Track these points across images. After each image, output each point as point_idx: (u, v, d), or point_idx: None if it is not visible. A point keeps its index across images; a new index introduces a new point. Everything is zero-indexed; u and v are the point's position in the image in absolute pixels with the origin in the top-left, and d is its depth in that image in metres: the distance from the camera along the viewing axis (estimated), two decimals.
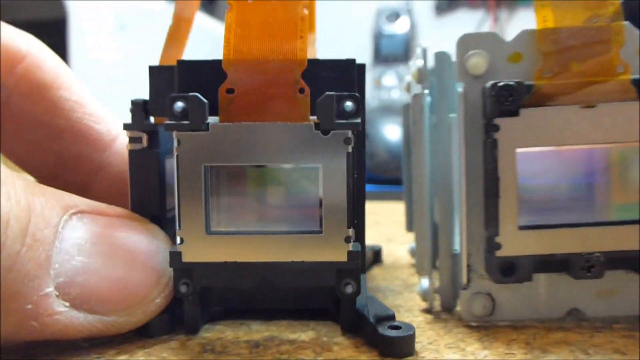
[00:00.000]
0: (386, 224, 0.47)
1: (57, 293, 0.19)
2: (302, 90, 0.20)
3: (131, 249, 0.21)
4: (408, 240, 0.35)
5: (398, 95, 1.16)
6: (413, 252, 0.33)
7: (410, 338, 0.20)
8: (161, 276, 0.21)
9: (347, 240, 0.20)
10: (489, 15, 1.38)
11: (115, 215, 0.21)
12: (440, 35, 0.23)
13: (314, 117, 0.21)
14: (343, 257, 0.20)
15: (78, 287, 0.19)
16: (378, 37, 1.33)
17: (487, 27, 1.38)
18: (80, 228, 0.20)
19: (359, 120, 0.20)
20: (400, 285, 0.29)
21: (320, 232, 0.21)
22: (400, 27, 1.32)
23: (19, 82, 0.23)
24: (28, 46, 0.23)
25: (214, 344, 0.21)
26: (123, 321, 0.20)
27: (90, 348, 0.21)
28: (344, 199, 0.20)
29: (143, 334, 0.22)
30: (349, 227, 0.21)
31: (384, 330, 0.20)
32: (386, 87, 1.22)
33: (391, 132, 0.90)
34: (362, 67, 0.22)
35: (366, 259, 0.31)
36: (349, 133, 0.20)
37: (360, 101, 0.20)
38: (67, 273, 0.19)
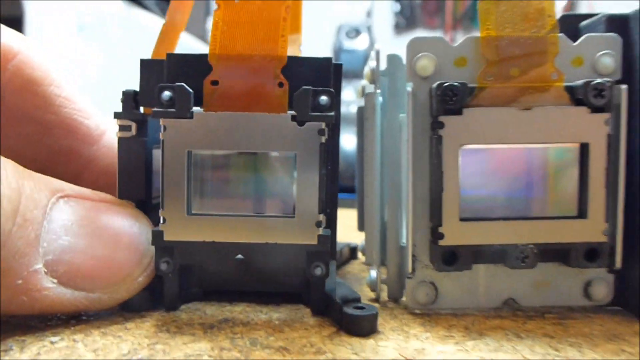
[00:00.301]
0: (339, 227, 0.48)
1: (45, 270, 0.20)
2: (281, 84, 0.22)
3: (115, 230, 0.22)
4: (360, 240, 0.37)
5: (356, 110, 1.18)
6: (364, 250, 0.34)
7: (374, 317, 0.22)
8: (143, 256, 0.22)
9: (318, 224, 0.22)
10: (446, 35, 1.43)
11: (100, 200, 0.23)
12: (398, 52, 0.25)
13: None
14: (313, 241, 0.22)
15: (65, 264, 0.20)
16: (338, 52, 1.36)
17: None
18: (67, 210, 0.21)
19: (332, 113, 0.22)
20: (351, 279, 0.30)
21: (293, 216, 0.22)
22: (360, 44, 1.36)
23: (11, 79, 0.24)
24: (19, 45, 0.24)
25: (170, 325, 0.22)
26: (107, 298, 0.21)
27: (45, 328, 0.21)
28: (316, 186, 0.22)
29: (125, 309, 0.23)
30: (320, 213, 0.22)
31: (350, 310, 0.21)
32: (345, 101, 1.24)
33: (347, 142, 0.92)
34: (339, 66, 0.23)
35: (343, 255, 0.32)
36: (323, 125, 0.22)
37: (334, 96, 0.22)
38: (54, 251, 0.20)
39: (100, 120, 0.27)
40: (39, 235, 0.20)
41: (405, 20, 1.45)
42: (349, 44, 1.36)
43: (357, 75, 1.28)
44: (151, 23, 0.88)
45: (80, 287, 0.21)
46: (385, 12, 1.47)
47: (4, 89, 0.24)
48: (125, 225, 0.22)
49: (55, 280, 0.20)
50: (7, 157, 0.20)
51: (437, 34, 1.34)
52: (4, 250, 0.19)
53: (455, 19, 1.39)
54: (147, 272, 0.23)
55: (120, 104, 0.24)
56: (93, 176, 0.27)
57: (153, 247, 0.22)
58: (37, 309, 0.20)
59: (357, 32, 1.37)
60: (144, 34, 0.84)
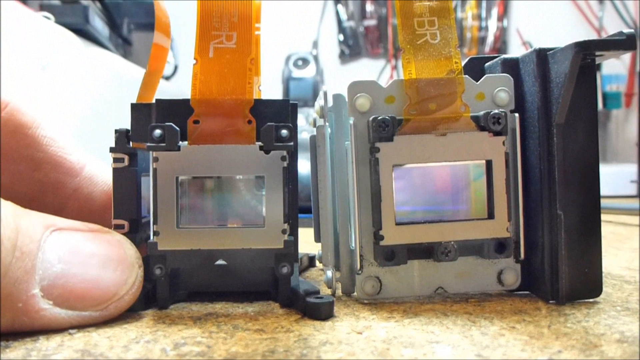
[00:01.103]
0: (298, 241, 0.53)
1: (42, 294, 0.24)
2: (250, 122, 0.28)
3: (102, 256, 0.26)
4: (317, 250, 0.42)
5: (306, 136, 1.24)
6: (320, 258, 0.39)
7: (331, 304, 0.27)
8: (129, 277, 0.26)
9: (284, 232, 0.28)
10: (389, 63, 1.51)
11: (89, 230, 0.27)
12: (345, 81, 0.30)
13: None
14: (280, 245, 0.28)
15: (59, 288, 0.24)
16: (287, 81, 1.42)
17: (387, 74, 1.51)
18: (59, 241, 0.25)
19: (292, 143, 0.27)
20: (311, 282, 0.35)
21: (263, 226, 0.28)
22: (307, 72, 1.42)
23: (5, 124, 0.28)
24: (9, 94, 0.28)
25: (164, 319, 0.27)
26: (98, 315, 0.25)
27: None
28: (281, 201, 0.28)
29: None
30: (284, 222, 0.27)
31: (312, 299, 0.27)
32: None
33: (301, 166, 0.98)
34: (294, 105, 0.29)
35: (303, 262, 0.38)
36: (285, 152, 0.28)
37: (292, 130, 0.28)
38: (49, 277, 0.24)
39: (80, 154, 0.31)
40: (34, 264, 0.23)
41: (350, 49, 1.53)
42: (297, 73, 1.42)
43: (306, 102, 1.34)
44: (108, 60, 0.92)
45: (73, 307, 0.24)
46: (331, 42, 1.54)
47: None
48: (111, 251, 0.26)
49: (50, 302, 0.24)
50: (4, 192, 0.24)
51: (381, 62, 1.42)
52: (5, 280, 0.22)
53: (396, 49, 1.48)
54: (133, 291, 0.26)
55: (113, 141, 0.29)
56: (78, 203, 0.30)
57: (137, 269, 0.27)
58: (38, 327, 0.24)
59: (305, 61, 1.44)
60: (102, 70, 0.88)
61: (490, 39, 1.47)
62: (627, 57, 1.39)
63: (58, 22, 0.79)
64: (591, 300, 0.29)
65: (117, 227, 0.29)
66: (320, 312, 0.27)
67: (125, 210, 0.29)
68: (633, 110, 1.39)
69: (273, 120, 0.28)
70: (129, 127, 0.29)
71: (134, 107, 0.29)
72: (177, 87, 1.14)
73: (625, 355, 0.21)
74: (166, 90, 0.98)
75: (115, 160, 0.29)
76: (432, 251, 0.29)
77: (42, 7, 0.81)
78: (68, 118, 0.78)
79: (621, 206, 0.78)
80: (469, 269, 0.30)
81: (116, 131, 0.29)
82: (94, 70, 0.85)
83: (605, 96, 1.34)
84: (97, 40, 0.89)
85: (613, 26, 1.38)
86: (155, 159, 0.27)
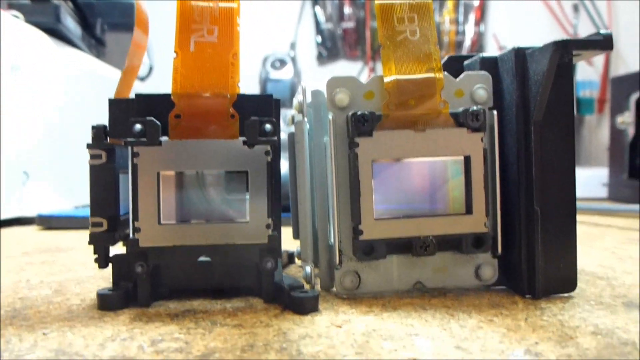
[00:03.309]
0: None
1: None
2: (232, 116, 0.27)
3: None
4: (296, 247, 0.42)
5: (284, 137, 1.24)
6: (299, 254, 0.39)
7: (316, 298, 0.27)
8: None
9: (268, 227, 0.27)
10: (367, 65, 1.52)
11: None
12: (322, 83, 0.30)
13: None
14: (264, 240, 0.27)
15: None
16: (265, 82, 1.41)
17: (364, 76, 1.51)
18: None
19: (275, 138, 0.27)
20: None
21: (247, 221, 0.27)
22: (285, 74, 1.42)
23: None
24: None
25: (141, 316, 0.26)
26: None
27: (34, 325, 0.25)
28: (265, 196, 0.27)
29: (100, 308, 0.27)
30: (269, 217, 0.27)
31: (296, 293, 0.27)
32: None
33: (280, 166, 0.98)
34: (277, 100, 0.29)
35: (282, 259, 0.38)
36: (268, 147, 0.27)
37: (276, 125, 0.27)
38: None
39: None
40: None
41: (327, 52, 1.53)
42: (275, 74, 1.42)
43: (284, 103, 1.34)
44: (81, 60, 0.91)
45: None
46: (308, 44, 1.54)
47: None
48: None
49: None
50: None
51: (358, 64, 1.42)
52: None
53: (374, 51, 1.49)
54: None
55: (90, 137, 0.28)
56: None
57: None
58: None
59: (282, 62, 1.44)
60: (74, 70, 0.86)
61: (467, 43, 1.48)
62: (600, 63, 1.41)
63: (28, 21, 0.77)
64: (566, 294, 0.30)
65: (95, 225, 0.28)
66: (305, 306, 0.27)
67: (103, 207, 0.28)
68: (605, 116, 1.41)
69: (256, 115, 0.28)
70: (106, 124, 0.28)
71: (112, 102, 0.28)
72: (152, 88, 1.13)
73: (600, 347, 0.22)
74: (141, 91, 0.97)
75: (93, 156, 0.28)
76: (411, 246, 0.29)
77: (11, 6, 0.80)
78: (39, 118, 0.76)
79: (593, 207, 0.79)
80: (447, 264, 0.31)
81: (93, 127, 0.28)
82: (66, 71, 0.84)
83: (578, 102, 1.36)
84: (70, 40, 0.88)
85: (587, 33, 1.41)
86: (136, 154, 0.27)
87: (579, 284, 0.30)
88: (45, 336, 0.24)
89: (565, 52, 0.27)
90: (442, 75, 0.29)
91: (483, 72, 0.30)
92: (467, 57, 0.33)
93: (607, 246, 0.50)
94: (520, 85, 0.29)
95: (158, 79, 1.20)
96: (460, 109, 0.29)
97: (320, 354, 0.21)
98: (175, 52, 0.27)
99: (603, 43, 0.28)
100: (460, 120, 0.29)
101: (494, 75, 0.31)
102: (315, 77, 1.49)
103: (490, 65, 0.31)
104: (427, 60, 0.29)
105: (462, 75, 0.30)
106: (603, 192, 1.06)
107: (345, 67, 1.53)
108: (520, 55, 0.29)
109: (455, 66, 0.33)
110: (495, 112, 0.30)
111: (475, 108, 0.29)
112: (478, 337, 0.23)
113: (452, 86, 0.30)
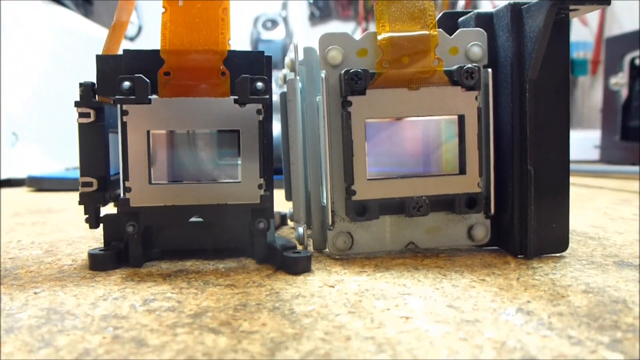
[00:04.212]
0: None
1: None
2: (223, 74, 0.27)
3: None
4: (288, 209, 0.42)
5: (275, 98, 1.23)
6: (291, 216, 0.39)
7: (309, 258, 0.27)
8: None
9: (260, 187, 0.27)
10: (360, 25, 1.50)
11: None
12: (314, 42, 0.30)
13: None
14: (257, 200, 0.27)
15: None
16: (256, 43, 1.39)
17: (357, 36, 1.49)
18: None
19: (267, 96, 0.27)
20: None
21: (239, 181, 0.27)
22: (276, 34, 1.40)
23: None
24: None
25: (133, 276, 0.26)
26: None
27: (26, 285, 0.25)
28: (257, 156, 0.27)
29: (92, 268, 0.27)
30: (260, 177, 0.27)
31: (289, 254, 0.26)
32: None
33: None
34: (269, 57, 0.28)
35: (276, 221, 0.37)
36: (260, 106, 0.27)
37: (268, 83, 0.27)
38: None
39: None
40: None
41: (320, 12, 1.50)
42: (266, 35, 1.40)
43: (275, 64, 1.32)
44: (67, 18, 0.88)
45: None
46: (300, 4, 1.51)
47: None
48: None
49: None
50: None
51: (351, 25, 1.40)
52: None
53: (366, 11, 1.46)
54: None
55: (78, 95, 0.28)
56: None
57: None
58: None
59: (274, 23, 1.41)
60: (64, 31, 0.84)
61: (461, 2, 1.46)
62: (594, 24, 1.40)
63: None
64: (558, 254, 0.30)
65: (85, 185, 0.28)
66: (298, 266, 0.26)
67: (93, 167, 0.28)
68: (599, 78, 1.41)
69: (247, 73, 0.27)
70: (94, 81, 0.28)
71: (99, 58, 0.28)
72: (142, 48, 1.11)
73: (591, 305, 0.22)
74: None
75: (81, 115, 0.28)
76: (404, 206, 0.29)
77: None
78: (27, 78, 0.75)
79: (585, 169, 0.80)
80: (440, 225, 0.31)
81: (81, 85, 0.28)
82: (54, 30, 0.82)
83: (572, 63, 1.35)
84: (60, 1, 0.85)
85: None
86: (125, 113, 0.26)
87: (570, 244, 0.30)
88: (37, 295, 0.23)
89: (562, 7, 0.27)
90: (436, 32, 0.29)
91: (478, 29, 0.30)
92: (462, 13, 0.32)
93: (598, 207, 0.50)
94: (516, 42, 0.28)
95: (147, 39, 1.17)
96: (455, 67, 0.29)
97: (312, 313, 0.21)
98: (163, 7, 0.26)
99: None
100: (455, 78, 0.29)
101: (489, 31, 0.30)
102: (308, 38, 1.47)
103: (486, 21, 0.30)
104: (422, 16, 0.29)
105: (457, 32, 0.29)
106: (595, 155, 1.06)
107: (338, 28, 1.51)
108: (516, 10, 0.29)
109: (449, 23, 0.33)
110: (490, 70, 0.29)
111: (469, 66, 0.29)
112: (470, 296, 0.23)
113: (447, 43, 0.29)
